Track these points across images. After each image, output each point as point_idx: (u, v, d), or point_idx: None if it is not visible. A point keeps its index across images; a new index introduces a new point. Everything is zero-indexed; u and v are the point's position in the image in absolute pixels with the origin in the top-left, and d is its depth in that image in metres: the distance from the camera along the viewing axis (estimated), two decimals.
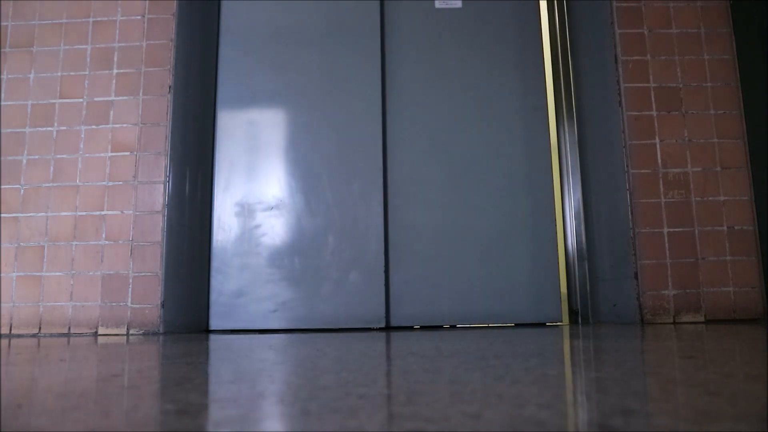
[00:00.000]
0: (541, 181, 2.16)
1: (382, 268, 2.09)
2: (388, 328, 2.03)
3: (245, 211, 2.15)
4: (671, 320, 1.80)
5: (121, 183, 1.92)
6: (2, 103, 1.99)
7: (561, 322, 2.07)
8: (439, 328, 2.00)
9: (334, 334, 1.68)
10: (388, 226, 2.14)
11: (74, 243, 1.89)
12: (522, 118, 2.20)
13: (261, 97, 2.22)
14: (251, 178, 2.17)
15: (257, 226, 2.13)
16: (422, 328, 2.03)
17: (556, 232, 2.13)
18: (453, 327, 2.02)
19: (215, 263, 2.12)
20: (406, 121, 2.21)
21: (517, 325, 2.03)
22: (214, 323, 2.09)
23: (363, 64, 2.22)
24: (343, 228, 2.12)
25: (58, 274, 1.88)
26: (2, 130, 1.98)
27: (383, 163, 2.17)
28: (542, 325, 2.03)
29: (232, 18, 2.29)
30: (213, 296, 2.10)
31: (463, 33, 2.26)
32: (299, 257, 2.11)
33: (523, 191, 2.15)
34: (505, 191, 2.15)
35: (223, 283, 2.10)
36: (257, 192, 2.17)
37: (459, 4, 2.26)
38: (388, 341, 1.29)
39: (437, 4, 2.25)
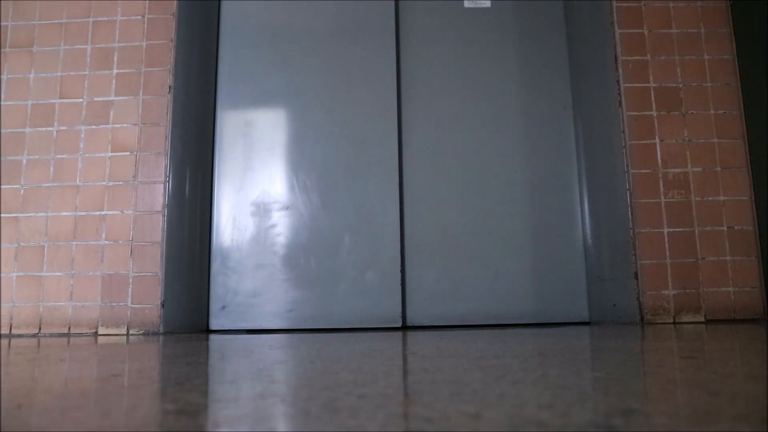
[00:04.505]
0: (568, 180, 2.15)
1: (399, 268, 2.08)
2: (405, 328, 2.02)
3: (260, 210, 2.15)
4: (671, 320, 1.80)
5: (121, 183, 1.92)
6: (2, 103, 1.99)
7: (590, 321, 2.06)
8: (465, 327, 1.99)
9: (349, 334, 1.68)
10: (405, 226, 2.13)
11: (74, 243, 1.89)
12: (550, 118, 2.19)
13: (272, 97, 2.21)
14: (266, 177, 2.17)
15: (272, 226, 2.13)
16: (439, 327, 2.03)
17: (582, 233, 2.12)
18: (480, 326, 2.01)
19: (230, 263, 2.11)
20: (423, 120, 2.19)
21: (548, 324, 2.02)
22: (228, 323, 2.08)
23: (377, 64, 2.21)
24: (359, 227, 2.11)
25: (58, 274, 1.88)
26: (2, 130, 1.98)
27: (399, 163, 2.16)
28: (575, 324, 2.03)
29: (232, 18, 2.29)
30: (228, 296, 2.09)
31: (491, 33, 2.25)
32: (315, 257, 2.10)
33: (551, 190, 2.14)
34: (531, 190, 2.15)
35: (238, 283, 2.10)
36: (272, 191, 2.16)
37: (488, 4, 2.25)
38: (404, 341, 1.29)
39: (466, 4, 2.24)
